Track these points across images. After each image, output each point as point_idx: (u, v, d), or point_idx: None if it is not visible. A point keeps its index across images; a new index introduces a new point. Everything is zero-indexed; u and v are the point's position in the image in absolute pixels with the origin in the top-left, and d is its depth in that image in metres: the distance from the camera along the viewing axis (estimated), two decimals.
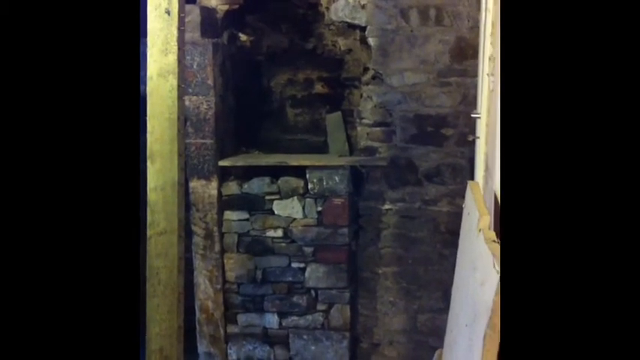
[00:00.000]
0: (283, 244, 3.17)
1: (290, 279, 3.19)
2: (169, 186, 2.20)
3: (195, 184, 3.13)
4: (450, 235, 3.09)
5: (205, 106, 3.06)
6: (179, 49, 2.16)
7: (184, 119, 2.41)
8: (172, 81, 2.16)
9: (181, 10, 2.15)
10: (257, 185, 3.15)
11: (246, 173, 3.18)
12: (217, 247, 3.18)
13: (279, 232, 3.17)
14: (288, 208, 3.14)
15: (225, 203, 3.18)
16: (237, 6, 3.11)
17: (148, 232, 2.23)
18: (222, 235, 3.19)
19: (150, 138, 2.18)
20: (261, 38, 3.35)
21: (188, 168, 3.07)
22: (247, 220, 3.18)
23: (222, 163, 3.13)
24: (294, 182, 3.13)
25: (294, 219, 3.15)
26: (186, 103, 2.95)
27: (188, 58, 2.94)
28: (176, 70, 2.16)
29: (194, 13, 2.96)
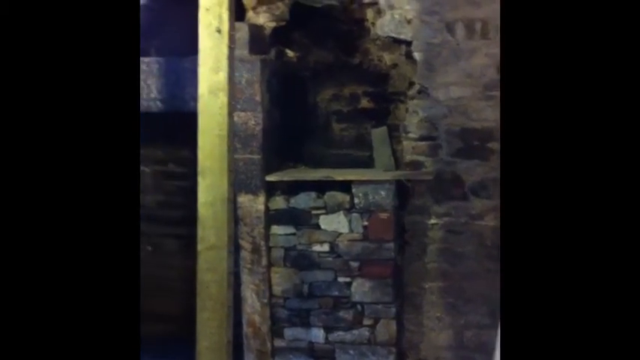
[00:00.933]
0: (329, 259, 3.18)
1: (336, 293, 3.20)
2: (219, 201, 2.23)
3: (242, 199, 3.16)
4: (496, 249, 3.06)
5: (253, 122, 3.10)
6: (229, 66, 2.20)
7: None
8: (223, 98, 2.20)
9: (231, 28, 2.19)
10: (303, 200, 3.17)
11: (293, 188, 3.20)
12: (264, 262, 3.21)
13: (326, 247, 3.18)
14: (334, 223, 3.16)
15: (272, 218, 3.21)
16: (284, 23, 3.16)
17: (199, 247, 2.27)
18: (269, 249, 3.22)
19: (200, 154, 2.22)
20: (307, 54, 3.39)
21: (236, 183, 3.07)
22: (294, 234, 3.20)
23: (269, 178, 3.16)
24: (340, 197, 3.14)
25: (340, 233, 3.16)
26: (235, 119, 2.97)
27: (237, 74, 2.96)
28: (226, 88, 2.20)
29: (243, 31, 3.00)
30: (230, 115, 2.22)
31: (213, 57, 2.20)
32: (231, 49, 2.20)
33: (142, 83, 3.17)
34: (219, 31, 2.17)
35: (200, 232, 2.26)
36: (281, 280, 3.23)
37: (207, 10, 2.16)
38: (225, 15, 2.15)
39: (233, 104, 2.25)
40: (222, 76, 2.19)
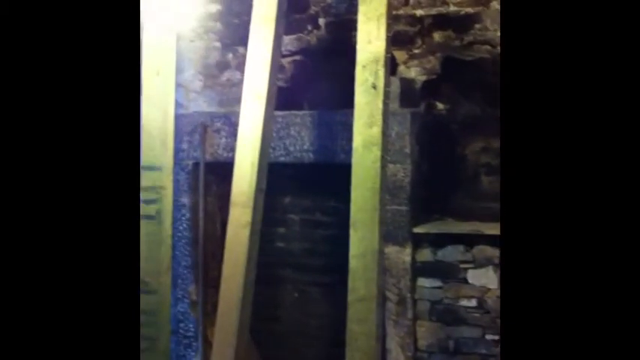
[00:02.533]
0: (477, 315, 3.10)
1: (484, 351, 3.10)
2: (370, 253, 2.26)
3: (389, 250, 3.15)
4: None
5: (402, 174, 3.11)
6: (383, 121, 2.25)
7: None
8: (376, 152, 2.25)
9: (387, 84, 2.24)
10: (451, 253, 3.12)
11: (440, 240, 3.16)
12: (409, 314, 3.18)
13: (473, 302, 3.10)
14: (482, 278, 3.08)
15: (419, 270, 3.18)
16: (434, 76, 3.18)
17: (349, 298, 2.30)
18: (414, 301, 3.19)
19: (353, 207, 2.27)
20: (456, 107, 3.36)
21: (383, 235, 3.10)
22: (440, 287, 3.15)
23: (416, 229, 3.14)
24: (489, 251, 3.07)
25: (489, 289, 3.08)
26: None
27: None
28: (380, 142, 2.25)
29: (394, 85, 3.06)
30: (383, 168, 2.26)
31: (368, 112, 2.26)
32: (386, 104, 2.25)
33: (295, 135, 3.30)
34: (374, 87, 2.23)
35: (350, 284, 2.30)
36: (426, 334, 3.18)
37: (363, 67, 2.23)
38: (381, 72, 2.21)
39: (386, 158, 2.29)
40: (376, 131, 2.24)
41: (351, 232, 2.29)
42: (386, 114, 2.26)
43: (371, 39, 2.23)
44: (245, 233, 2.44)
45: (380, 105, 2.23)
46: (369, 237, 2.25)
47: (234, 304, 2.47)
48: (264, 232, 2.97)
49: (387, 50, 2.24)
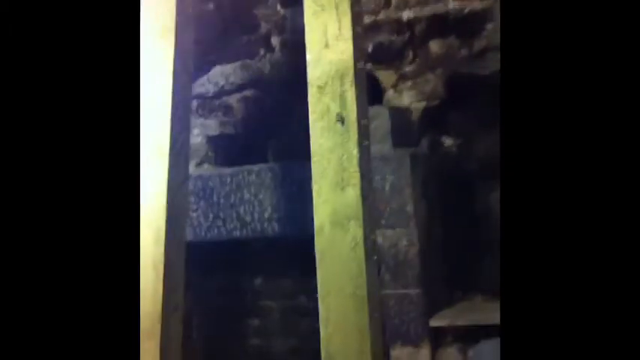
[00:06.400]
0: None
1: None
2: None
3: (398, 353, 2.34)
4: None
5: (405, 243, 2.32)
6: (363, 176, 1.32)
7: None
8: (355, 230, 1.31)
9: (362, 114, 1.32)
10: (487, 351, 2.25)
11: (470, 333, 2.32)
12: None
13: None
14: None
15: None
16: (437, 102, 2.46)
17: None
18: None
19: (324, 332, 1.32)
20: (471, 142, 2.61)
21: (387, 331, 2.30)
22: None
23: (434, 322, 2.31)
24: None
25: None
26: (379, 239, 2.21)
27: (377, 178, 2.22)
28: (360, 213, 1.32)
29: (381, 118, 2.30)
30: (370, 257, 1.33)
31: (335, 163, 1.33)
32: (365, 147, 1.33)
33: (251, 199, 2.56)
34: (341, 120, 1.31)
35: None
36: None
37: (320, 88, 1.31)
38: (351, 93, 1.29)
39: (374, 239, 1.37)
40: (352, 193, 1.31)
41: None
42: (366, 163, 1.33)
43: (328, 40, 1.31)
44: None
45: (354, 150, 1.29)
46: None
47: None
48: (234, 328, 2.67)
49: (359, 57, 1.31)
